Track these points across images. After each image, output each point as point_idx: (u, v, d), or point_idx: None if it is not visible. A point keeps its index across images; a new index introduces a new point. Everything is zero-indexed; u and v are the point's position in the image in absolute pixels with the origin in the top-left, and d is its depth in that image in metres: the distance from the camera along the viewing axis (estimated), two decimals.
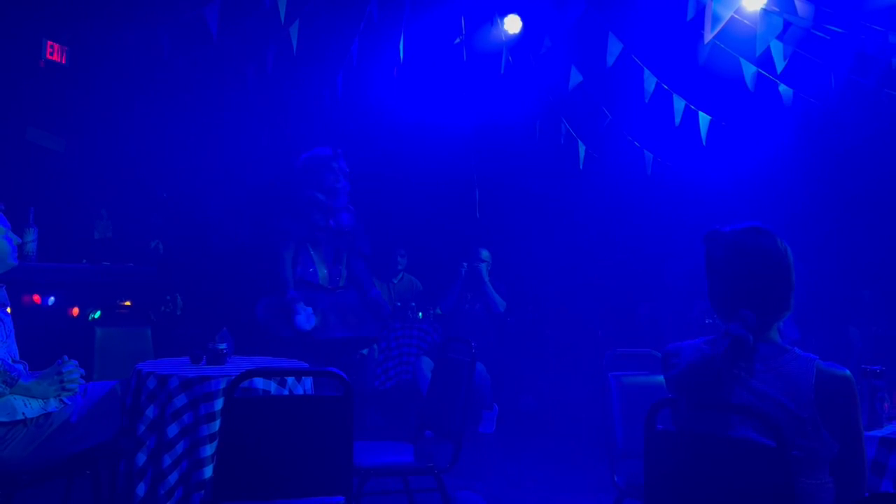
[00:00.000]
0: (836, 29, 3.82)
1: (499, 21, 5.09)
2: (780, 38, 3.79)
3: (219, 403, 2.99)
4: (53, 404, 2.84)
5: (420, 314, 6.45)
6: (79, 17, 5.62)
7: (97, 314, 5.20)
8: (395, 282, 6.67)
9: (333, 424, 2.35)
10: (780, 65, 3.90)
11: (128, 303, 5.47)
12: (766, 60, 4.05)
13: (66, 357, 2.93)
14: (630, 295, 6.93)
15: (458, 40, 5.00)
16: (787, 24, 3.77)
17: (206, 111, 6.09)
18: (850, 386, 1.78)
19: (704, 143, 4.79)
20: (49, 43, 5.59)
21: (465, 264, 6.39)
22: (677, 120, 4.68)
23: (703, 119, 4.76)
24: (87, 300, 5.22)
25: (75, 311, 5.14)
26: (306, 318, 4.98)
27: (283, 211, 5.28)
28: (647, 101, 4.49)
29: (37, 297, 4.92)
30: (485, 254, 6.40)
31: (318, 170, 5.19)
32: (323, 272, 5.22)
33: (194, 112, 6.07)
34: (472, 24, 5.13)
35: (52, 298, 4.99)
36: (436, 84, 5.77)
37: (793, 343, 1.88)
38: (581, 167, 5.29)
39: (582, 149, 5.24)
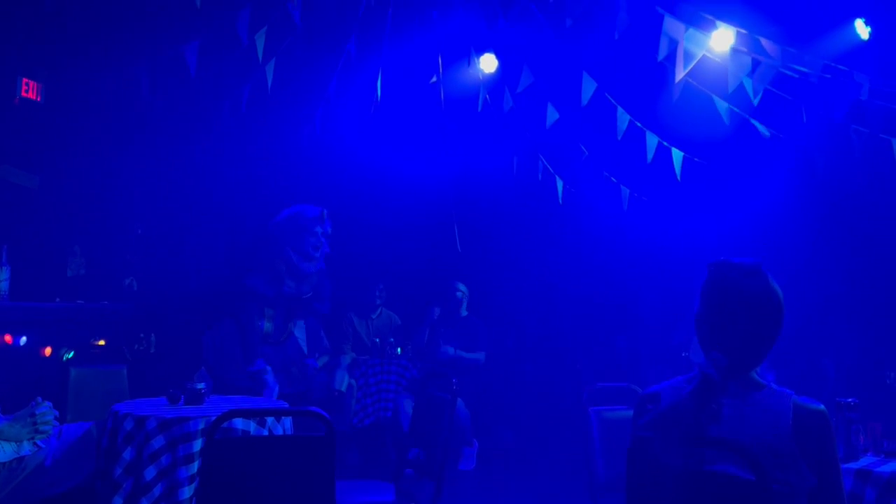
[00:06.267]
0: (802, 69, 3.94)
1: (475, 60, 5.17)
2: (750, 75, 3.90)
3: (197, 444, 2.95)
4: (27, 447, 2.79)
5: (399, 349, 6.43)
6: (55, 55, 5.60)
7: (70, 354, 5.10)
8: (374, 317, 6.65)
9: (315, 464, 2.33)
10: (754, 101, 4.00)
11: (102, 342, 5.38)
12: (738, 98, 4.15)
13: (39, 398, 2.88)
14: (608, 328, 6.96)
15: (433, 80, 5.05)
16: (755, 63, 3.88)
17: (182, 148, 6.07)
18: (826, 421, 1.82)
19: (679, 178, 4.88)
20: (24, 80, 5.56)
21: (436, 309, 6.37)
22: (650, 157, 4.76)
23: (677, 155, 4.85)
24: (60, 339, 5.12)
25: (48, 350, 5.05)
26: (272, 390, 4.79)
27: (258, 269, 5.11)
28: (619, 138, 4.57)
29: (8, 338, 4.83)
30: (462, 287, 6.45)
31: (300, 231, 5.04)
32: (268, 326, 5.08)
33: (170, 149, 6.05)
34: (449, 64, 5.19)
35: (24, 338, 4.90)
36: (413, 120, 5.82)
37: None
38: (560, 202, 5.34)
39: (560, 184, 5.30)
